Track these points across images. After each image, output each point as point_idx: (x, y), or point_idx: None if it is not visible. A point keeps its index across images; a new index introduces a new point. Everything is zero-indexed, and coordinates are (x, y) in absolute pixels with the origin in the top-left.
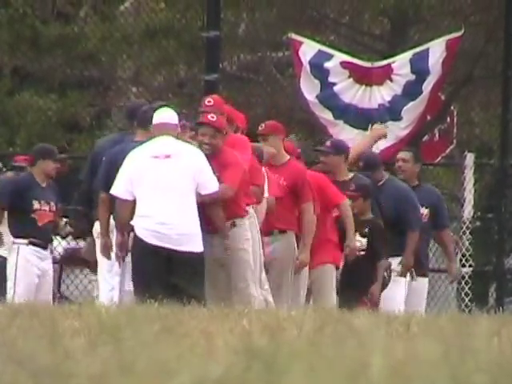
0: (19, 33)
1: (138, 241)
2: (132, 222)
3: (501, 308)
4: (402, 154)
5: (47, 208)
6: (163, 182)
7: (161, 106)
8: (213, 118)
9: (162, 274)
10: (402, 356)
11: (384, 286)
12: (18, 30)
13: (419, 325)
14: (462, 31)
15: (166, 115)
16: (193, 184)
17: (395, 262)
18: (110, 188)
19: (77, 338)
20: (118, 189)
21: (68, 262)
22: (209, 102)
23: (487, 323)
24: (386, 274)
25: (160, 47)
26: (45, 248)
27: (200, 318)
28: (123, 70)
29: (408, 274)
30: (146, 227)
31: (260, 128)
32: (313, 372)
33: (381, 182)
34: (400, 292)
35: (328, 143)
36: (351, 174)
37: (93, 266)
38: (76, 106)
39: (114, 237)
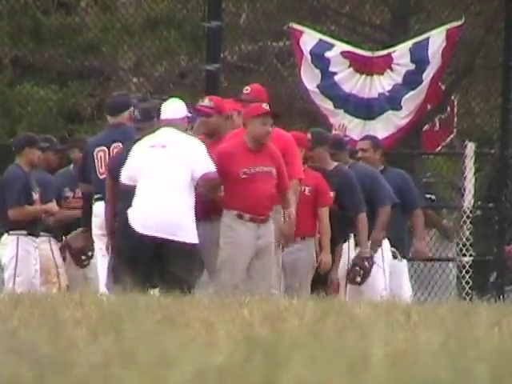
0: (20, 23)
1: (129, 229)
2: (128, 211)
3: (501, 297)
4: (360, 144)
5: (37, 197)
6: (158, 171)
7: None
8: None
9: (151, 263)
10: (403, 346)
11: (366, 275)
12: (19, 21)
13: (420, 315)
14: (463, 21)
15: (171, 110)
16: (189, 174)
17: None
18: (86, 179)
19: (78, 328)
20: (123, 176)
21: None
22: (246, 90)
23: (487, 313)
24: (367, 263)
25: (161, 37)
26: (37, 236)
27: (201, 307)
28: (124, 61)
29: (391, 255)
30: (138, 216)
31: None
32: (313, 362)
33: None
34: (380, 278)
35: (309, 135)
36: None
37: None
38: (77, 97)
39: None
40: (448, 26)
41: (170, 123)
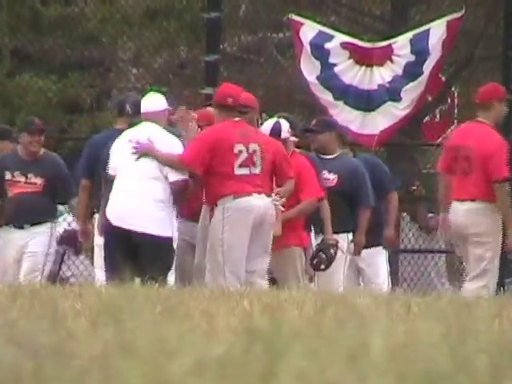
0: (19, 14)
1: (107, 223)
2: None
3: (501, 288)
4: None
5: (23, 180)
6: (133, 166)
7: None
8: None
9: (128, 255)
10: (403, 337)
11: (329, 263)
12: (18, 11)
13: (420, 306)
14: (463, 11)
15: (151, 103)
16: (162, 170)
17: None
18: (90, 175)
19: (78, 319)
20: (110, 168)
21: (65, 243)
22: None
23: (488, 304)
24: (332, 251)
25: (160, 28)
26: (18, 226)
27: (201, 298)
28: (124, 51)
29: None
30: (114, 209)
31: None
32: (313, 353)
33: (335, 155)
34: (339, 270)
35: (314, 122)
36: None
37: (78, 249)
38: (76, 87)
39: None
40: (448, 17)
41: (152, 117)
